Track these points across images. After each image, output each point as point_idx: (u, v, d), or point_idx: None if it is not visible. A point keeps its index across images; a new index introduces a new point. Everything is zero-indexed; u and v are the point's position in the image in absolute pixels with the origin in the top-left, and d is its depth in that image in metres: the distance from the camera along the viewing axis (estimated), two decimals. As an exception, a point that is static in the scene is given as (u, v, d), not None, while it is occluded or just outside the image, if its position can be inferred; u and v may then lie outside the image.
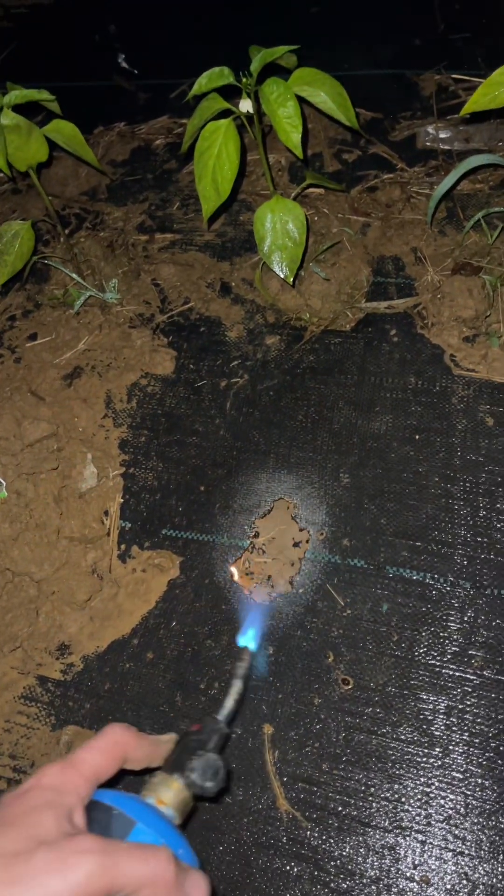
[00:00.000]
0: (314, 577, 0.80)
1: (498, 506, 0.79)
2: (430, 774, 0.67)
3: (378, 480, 0.84)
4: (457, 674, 0.71)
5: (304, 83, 0.80)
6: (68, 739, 0.75)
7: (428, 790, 0.66)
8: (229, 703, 0.56)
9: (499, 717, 0.68)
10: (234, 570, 0.82)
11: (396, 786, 0.67)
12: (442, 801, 0.65)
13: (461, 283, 0.94)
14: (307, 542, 0.82)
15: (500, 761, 0.66)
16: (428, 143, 1.12)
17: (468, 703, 0.69)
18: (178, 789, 0.48)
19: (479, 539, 0.78)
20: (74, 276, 1.05)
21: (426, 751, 0.68)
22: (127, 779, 0.52)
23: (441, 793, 0.66)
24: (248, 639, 0.70)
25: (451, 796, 0.65)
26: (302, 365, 0.95)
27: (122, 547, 0.86)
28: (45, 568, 0.83)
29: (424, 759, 0.67)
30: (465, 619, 0.73)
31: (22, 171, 0.91)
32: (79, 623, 0.81)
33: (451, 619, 0.74)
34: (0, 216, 1.23)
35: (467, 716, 0.69)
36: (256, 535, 0.84)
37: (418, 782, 0.66)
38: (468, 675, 0.71)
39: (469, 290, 0.94)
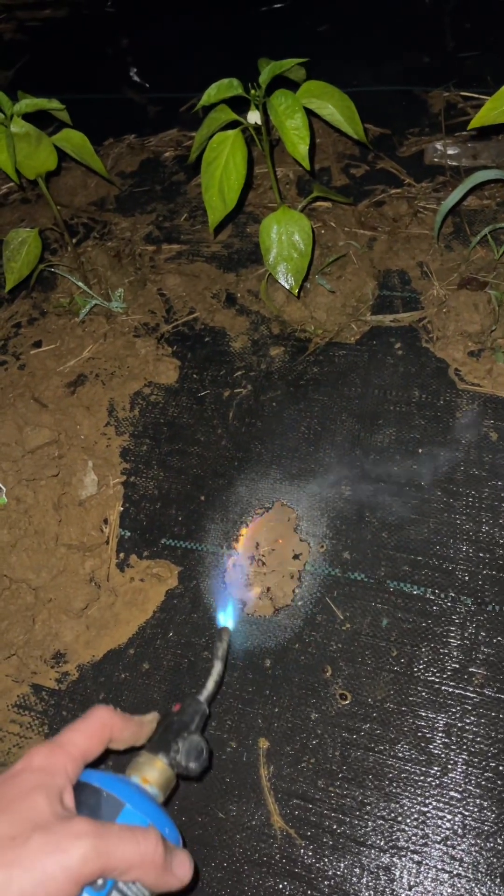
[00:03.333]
0: (313, 590, 0.79)
1: (501, 521, 0.78)
2: (427, 793, 0.65)
3: (380, 493, 0.83)
4: (457, 691, 0.70)
5: (312, 96, 0.80)
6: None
7: (425, 809, 0.65)
8: (210, 684, 0.60)
9: (499, 736, 0.67)
10: (226, 580, 0.81)
11: (393, 804, 0.65)
12: (439, 822, 0.64)
13: (467, 298, 0.94)
14: (307, 554, 0.81)
15: (499, 781, 0.65)
16: (436, 159, 1.13)
17: (468, 721, 0.68)
18: (162, 769, 0.50)
19: (482, 555, 0.77)
20: (81, 284, 1.05)
21: (424, 769, 0.66)
22: (112, 756, 0.54)
23: (438, 812, 0.64)
24: (226, 618, 0.73)
25: (449, 816, 0.64)
26: (306, 376, 0.95)
27: (121, 556, 0.85)
28: (43, 575, 0.83)
29: (422, 778, 0.66)
30: (466, 635, 0.72)
31: (31, 180, 0.92)
32: (75, 631, 0.80)
33: (452, 635, 0.73)
34: (9, 224, 1.23)
35: (467, 734, 0.67)
36: (257, 547, 0.83)
37: (415, 801, 0.65)
38: (468, 693, 0.69)
39: (475, 305, 0.93)
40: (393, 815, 0.65)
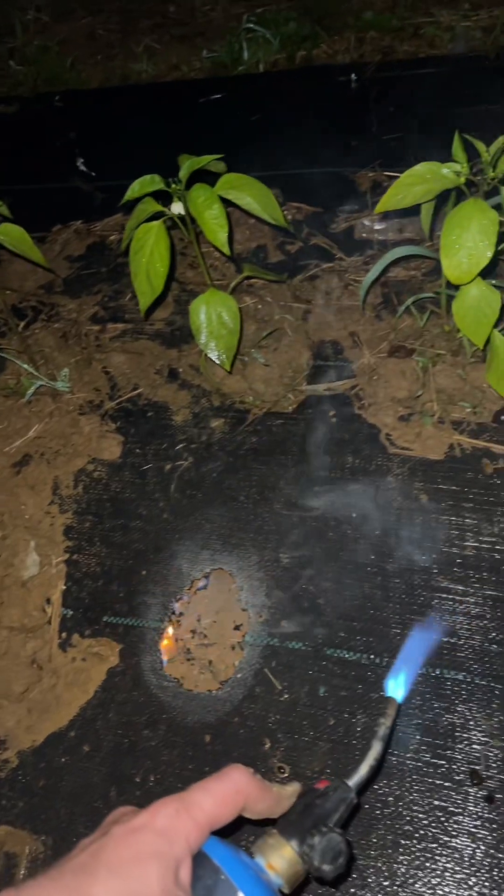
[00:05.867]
0: (253, 662, 0.79)
1: (433, 583, 0.80)
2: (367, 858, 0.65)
3: (316, 560, 0.85)
4: (393, 759, 0.70)
5: (230, 187, 0.85)
6: None
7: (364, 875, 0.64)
8: (364, 769, 0.49)
9: (435, 802, 0.67)
10: (167, 655, 0.81)
11: (332, 881, 0.65)
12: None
13: (395, 365, 0.98)
14: (247, 624, 0.82)
15: (434, 847, 0.64)
16: (364, 235, 1.19)
17: (405, 787, 0.68)
18: (292, 860, 0.44)
19: (414, 617, 0.78)
20: (27, 367, 1.08)
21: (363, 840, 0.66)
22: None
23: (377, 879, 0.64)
24: (398, 685, 0.56)
25: (386, 883, 0.63)
26: (245, 446, 0.98)
27: (63, 635, 0.85)
28: (-16, 659, 0.83)
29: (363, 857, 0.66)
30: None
31: (-29, 271, 0.96)
32: (16, 716, 0.80)
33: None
34: (-41, 311, 1.27)
35: (402, 802, 0.67)
36: (198, 619, 0.84)
37: (354, 875, 0.64)
38: (406, 760, 0.69)
39: (402, 372, 0.97)
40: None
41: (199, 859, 0.40)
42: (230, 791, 0.43)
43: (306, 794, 0.47)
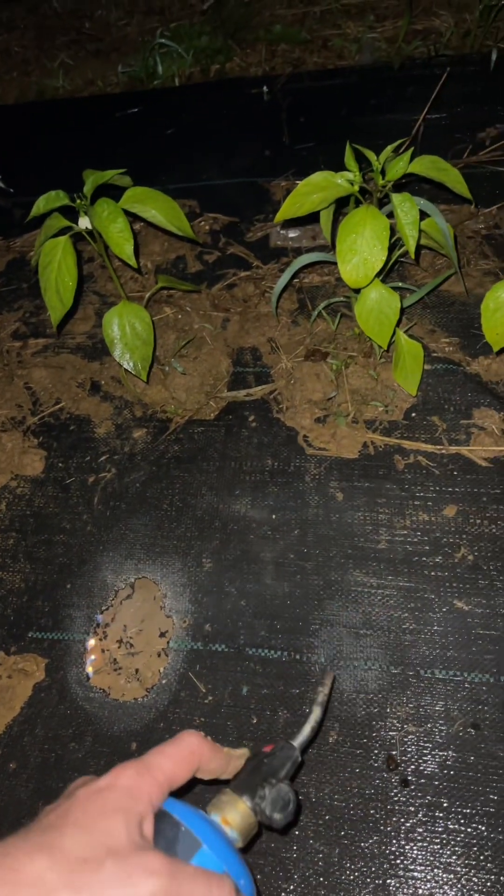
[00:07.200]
0: (177, 667, 0.80)
1: (349, 577, 0.82)
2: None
3: (238, 562, 0.86)
4: (313, 752, 0.72)
5: (135, 201, 0.87)
6: None
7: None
8: (307, 730, 0.56)
9: (354, 790, 0.69)
10: (93, 667, 0.82)
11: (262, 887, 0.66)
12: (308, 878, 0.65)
13: (310, 369, 1.01)
14: (172, 630, 0.83)
15: (360, 826, 0.66)
16: (279, 243, 1.22)
17: (325, 779, 0.70)
18: (245, 813, 0.47)
19: (331, 612, 0.80)
20: None
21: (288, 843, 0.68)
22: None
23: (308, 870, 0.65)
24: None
25: (309, 872, 0.65)
26: (167, 455, 0.99)
27: (-12, 654, 0.85)
28: None
29: (286, 850, 0.67)
30: (321, 693, 0.75)
31: None
32: None
33: (307, 696, 0.75)
34: None
35: (322, 793, 0.69)
36: (124, 629, 0.84)
37: (277, 869, 0.66)
38: (325, 752, 0.71)
39: (317, 375, 1.00)
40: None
41: (160, 816, 0.43)
42: (185, 752, 0.46)
43: (254, 757, 0.52)
